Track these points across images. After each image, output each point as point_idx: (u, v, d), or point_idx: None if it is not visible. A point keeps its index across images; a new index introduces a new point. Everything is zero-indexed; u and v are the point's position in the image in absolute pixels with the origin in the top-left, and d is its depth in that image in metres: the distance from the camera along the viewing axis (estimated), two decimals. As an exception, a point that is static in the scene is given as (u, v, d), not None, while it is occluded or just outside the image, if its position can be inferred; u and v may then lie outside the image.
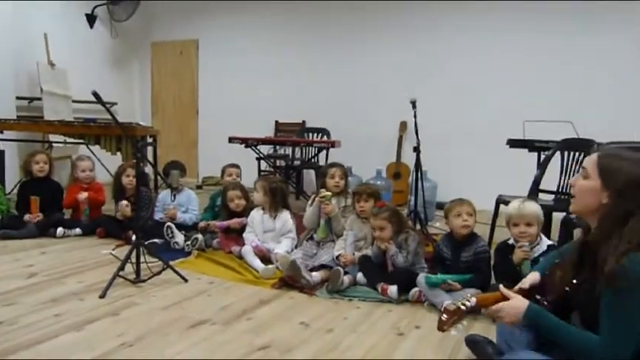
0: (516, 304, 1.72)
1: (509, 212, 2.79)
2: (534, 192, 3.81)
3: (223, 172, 4.48)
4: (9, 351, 2.13)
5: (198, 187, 7.05)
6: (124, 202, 4.09)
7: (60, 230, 4.12)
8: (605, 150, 1.66)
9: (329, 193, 3.58)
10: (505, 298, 1.76)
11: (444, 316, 1.77)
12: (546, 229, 3.87)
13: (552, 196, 4.00)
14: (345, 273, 3.10)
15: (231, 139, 5.50)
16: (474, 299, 1.77)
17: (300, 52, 6.98)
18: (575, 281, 1.70)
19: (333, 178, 3.73)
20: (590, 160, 1.65)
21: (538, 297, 1.82)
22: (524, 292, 1.83)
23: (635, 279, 1.45)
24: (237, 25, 7.42)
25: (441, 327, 1.76)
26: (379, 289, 2.95)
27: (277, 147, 6.39)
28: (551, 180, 3.94)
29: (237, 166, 4.51)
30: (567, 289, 1.72)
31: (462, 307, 1.75)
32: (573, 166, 3.88)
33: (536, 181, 3.86)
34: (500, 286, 1.82)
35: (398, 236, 3.10)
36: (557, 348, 1.66)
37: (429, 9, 6.17)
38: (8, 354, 2.11)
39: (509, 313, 1.71)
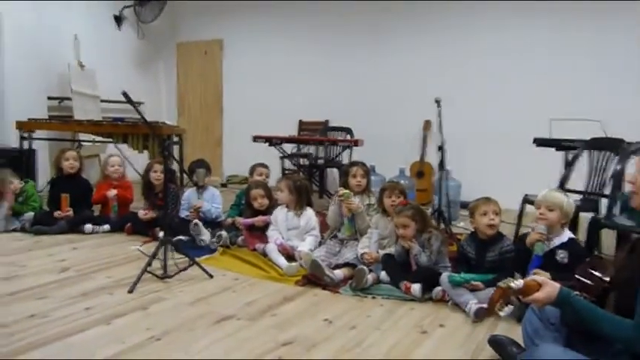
0: (550, 287, 1.70)
1: (537, 198, 2.80)
2: (561, 191, 3.76)
3: (253, 170, 4.51)
4: (41, 342, 2.21)
5: (223, 185, 7.13)
6: (142, 212, 4.18)
7: (89, 226, 4.23)
8: None
9: (347, 191, 3.60)
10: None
11: (494, 294, 1.77)
12: (573, 229, 3.82)
13: (580, 197, 3.94)
14: (369, 271, 3.11)
15: (255, 138, 5.55)
16: (521, 281, 1.76)
17: (324, 51, 7.00)
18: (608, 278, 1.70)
19: (355, 177, 3.74)
20: None
21: (577, 293, 1.80)
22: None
23: None
24: (261, 25, 7.48)
25: (491, 305, 1.77)
26: (402, 288, 2.95)
27: (301, 146, 6.43)
28: (578, 180, 3.88)
29: (266, 167, 4.54)
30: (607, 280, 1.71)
31: (513, 285, 1.74)
32: (601, 165, 3.81)
33: (564, 181, 3.81)
34: (534, 273, 1.81)
35: (421, 235, 3.10)
36: (584, 345, 1.65)
37: (452, 8, 6.13)
38: (41, 345, 2.18)
39: (545, 294, 1.69)
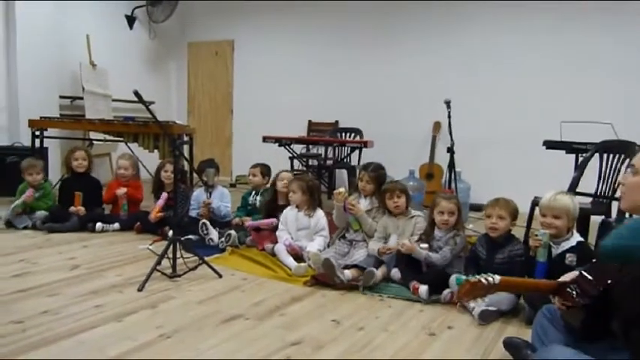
0: None
1: (541, 202, 2.77)
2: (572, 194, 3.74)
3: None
4: (53, 339, 2.23)
5: (232, 185, 7.15)
6: (151, 215, 4.18)
7: (99, 225, 4.27)
8: None
9: (342, 189, 3.64)
10: (538, 288, 1.73)
11: (464, 287, 1.78)
12: (584, 232, 3.80)
13: (590, 199, 3.91)
14: (381, 264, 3.14)
15: (265, 139, 5.57)
16: (498, 277, 1.76)
17: (334, 52, 7.00)
18: (609, 281, 1.66)
19: (361, 180, 3.75)
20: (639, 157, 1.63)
21: (570, 290, 1.78)
22: (558, 285, 1.81)
23: None
24: (271, 25, 7.50)
25: (459, 297, 1.78)
26: (411, 288, 2.96)
27: (310, 146, 6.43)
28: (589, 182, 3.86)
29: (257, 166, 4.50)
30: (601, 288, 1.68)
31: (483, 281, 1.74)
32: (612, 168, 3.79)
33: (574, 184, 3.78)
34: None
35: (448, 232, 3.12)
36: (593, 346, 1.64)
37: (464, 10, 6.11)
38: (52, 342, 2.21)
39: None
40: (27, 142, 5.52)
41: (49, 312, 2.53)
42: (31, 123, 5.44)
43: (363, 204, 3.70)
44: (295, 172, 6.23)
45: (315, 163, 6.35)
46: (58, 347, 2.16)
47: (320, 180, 5.73)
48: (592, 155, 3.86)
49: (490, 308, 2.60)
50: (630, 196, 1.65)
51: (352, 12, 6.80)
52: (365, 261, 3.28)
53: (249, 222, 4.06)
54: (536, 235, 2.67)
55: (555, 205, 2.68)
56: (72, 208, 4.34)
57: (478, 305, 2.62)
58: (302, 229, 3.77)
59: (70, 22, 6.54)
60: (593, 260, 1.93)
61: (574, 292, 1.76)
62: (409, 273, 3.05)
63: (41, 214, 4.31)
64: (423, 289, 2.88)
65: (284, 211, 3.89)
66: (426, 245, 3.11)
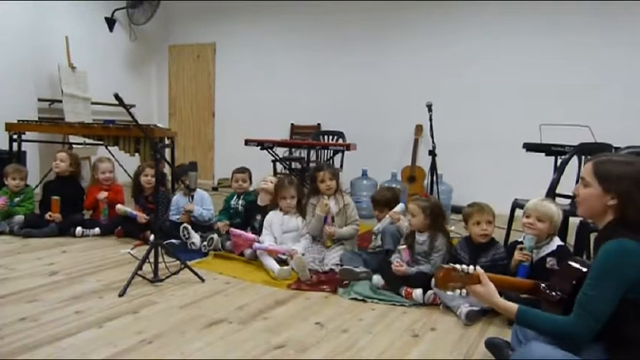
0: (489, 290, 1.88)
1: (528, 203, 2.83)
2: (551, 196, 3.78)
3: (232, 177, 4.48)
4: (32, 346, 2.19)
5: (214, 188, 7.11)
6: (142, 215, 4.12)
7: (79, 230, 4.20)
8: (597, 158, 1.80)
9: (328, 202, 3.61)
10: (515, 286, 1.95)
11: (438, 273, 1.89)
12: (562, 233, 3.85)
13: (569, 201, 3.97)
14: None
15: (247, 142, 5.55)
16: (472, 268, 1.89)
17: (317, 55, 7.02)
18: (574, 282, 1.79)
19: (323, 181, 3.68)
20: (587, 169, 1.80)
21: (543, 285, 1.93)
22: (535, 284, 1.97)
23: (615, 262, 1.62)
24: (253, 28, 7.49)
25: (436, 283, 1.93)
26: (403, 293, 2.96)
27: (293, 149, 6.43)
28: (567, 184, 3.91)
29: (244, 171, 4.40)
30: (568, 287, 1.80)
31: (458, 268, 1.87)
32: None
33: (553, 186, 3.83)
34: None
35: (430, 237, 3.12)
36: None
37: (445, 12, 6.18)
38: (32, 349, 2.17)
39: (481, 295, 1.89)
40: (4, 146, 5.42)
41: (28, 318, 2.48)
42: (8, 126, 5.34)
43: (332, 206, 3.64)
44: (278, 175, 6.24)
45: (298, 166, 6.34)
46: (38, 354, 2.12)
47: (303, 183, 5.73)
48: (570, 157, 3.92)
49: (474, 308, 2.63)
50: (584, 206, 1.83)
51: (334, 15, 6.83)
52: (346, 258, 3.31)
53: (234, 231, 3.88)
54: (522, 245, 2.73)
55: (542, 208, 2.75)
56: (47, 216, 4.24)
57: (464, 306, 2.65)
58: (288, 232, 3.73)
59: (48, 24, 6.45)
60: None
61: (547, 290, 1.89)
62: (397, 279, 3.03)
63: (19, 219, 4.23)
64: (418, 292, 2.89)
65: (268, 214, 3.85)
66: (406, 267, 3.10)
